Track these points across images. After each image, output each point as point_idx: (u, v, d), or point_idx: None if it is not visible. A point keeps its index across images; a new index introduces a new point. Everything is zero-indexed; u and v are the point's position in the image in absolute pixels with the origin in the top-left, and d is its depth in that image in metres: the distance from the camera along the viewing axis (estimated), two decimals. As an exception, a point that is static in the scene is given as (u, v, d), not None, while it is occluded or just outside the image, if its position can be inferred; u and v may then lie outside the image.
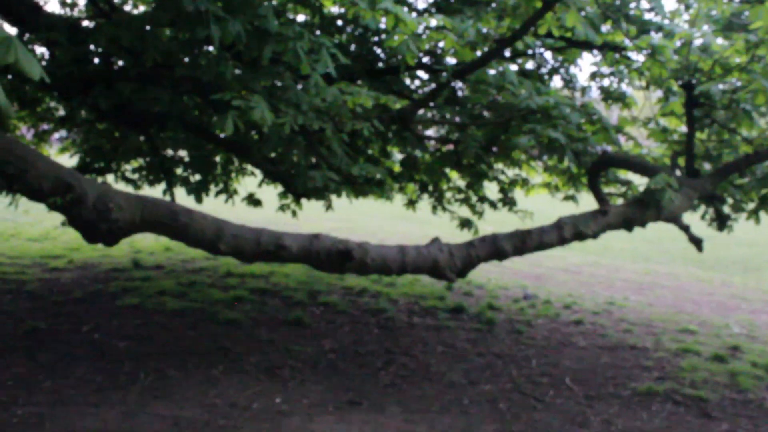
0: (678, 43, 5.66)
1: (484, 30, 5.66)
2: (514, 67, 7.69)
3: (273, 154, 6.55)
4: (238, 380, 5.44)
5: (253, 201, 8.13)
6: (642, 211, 5.13)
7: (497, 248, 4.76)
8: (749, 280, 11.60)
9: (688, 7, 6.38)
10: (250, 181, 8.61)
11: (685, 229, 5.62)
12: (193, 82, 5.46)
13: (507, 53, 7.37)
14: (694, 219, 7.13)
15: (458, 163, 6.63)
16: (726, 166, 5.69)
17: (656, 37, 5.39)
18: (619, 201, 6.90)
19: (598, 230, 4.99)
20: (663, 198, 4.82)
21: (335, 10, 6.82)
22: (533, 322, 7.76)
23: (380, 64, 7.06)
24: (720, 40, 5.78)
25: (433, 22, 5.55)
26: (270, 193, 8.39)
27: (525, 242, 4.82)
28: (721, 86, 5.42)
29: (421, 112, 6.65)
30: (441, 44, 6.56)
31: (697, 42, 5.41)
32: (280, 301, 8.15)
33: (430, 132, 8.27)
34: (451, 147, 6.87)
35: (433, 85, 6.58)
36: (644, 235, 12.31)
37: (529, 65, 7.74)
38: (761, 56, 5.05)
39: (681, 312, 8.74)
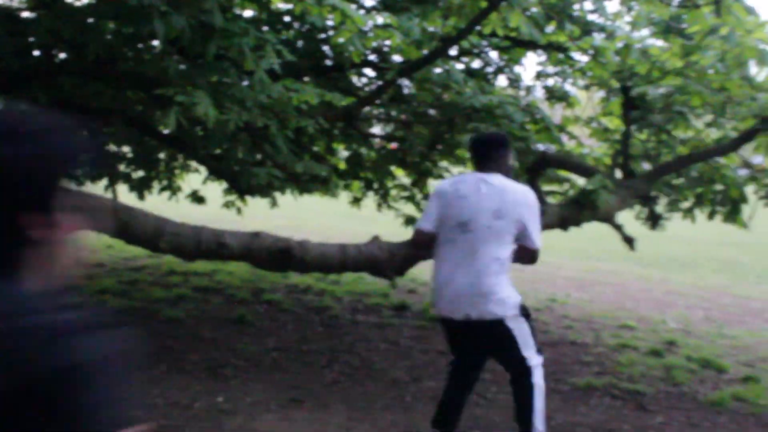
0: (619, 45, 5.78)
1: (430, 29, 5.70)
2: (460, 66, 7.77)
3: (217, 151, 6.50)
4: (180, 379, 5.38)
5: (197, 198, 8.05)
6: (578, 211, 5.23)
7: (435, 246, 4.80)
8: (686, 277, 11.90)
9: (630, 9, 6.52)
10: (194, 178, 8.52)
11: (619, 228, 5.75)
12: (137, 77, 5.38)
13: (453, 52, 7.44)
14: (629, 218, 7.30)
15: (403, 160, 6.67)
16: (661, 166, 5.84)
17: (598, 38, 5.49)
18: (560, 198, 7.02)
19: (537, 228, 5.05)
20: (598, 199, 4.92)
21: (283, 6, 6.79)
22: (476, 319, 7.83)
23: (327, 62, 7.05)
24: (660, 43, 5.92)
25: (380, 20, 5.57)
26: (215, 190, 8.32)
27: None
28: (658, 90, 5.55)
29: (366, 109, 6.67)
30: (388, 42, 6.60)
31: (637, 45, 5.54)
32: (223, 299, 8.09)
33: (376, 130, 8.30)
34: (396, 145, 6.91)
35: (380, 83, 6.59)
36: (587, 234, 12.50)
37: (476, 64, 7.82)
38: (696, 61, 5.19)
39: (621, 308, 8.93)
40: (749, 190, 6.27)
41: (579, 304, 9.07)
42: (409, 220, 8.06)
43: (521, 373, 4.03)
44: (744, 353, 7.07)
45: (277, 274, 9.25)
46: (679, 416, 5.23)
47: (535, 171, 5.63)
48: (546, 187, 7.20)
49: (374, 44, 6.02)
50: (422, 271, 10.39)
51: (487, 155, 4.01)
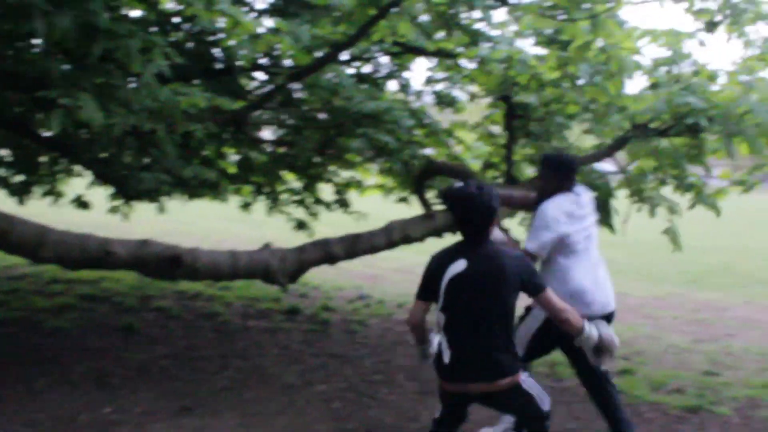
0: (503, 55, 5.99)
1: (321, 34, 5.74)
2: (351, 71, 7.84)
3: (103, 155, 6.33)
4: (63, 392, 5.21)
5: (81, 203, 7.79)
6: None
7: (328, 252, 4.86)
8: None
9: (516, 19, 6.75)
10: (78, 183, 8.25)
11: (505, 231, 5.95)
12: (17, 78, 5.18)
13: (345, 57, 7.51)
14: (513, 223, 7.56)
15: (292, 165, 6.68)
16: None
17: (484, 48, 5.68)
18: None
19: (426, 233, 5.20)
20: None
21: (173, 6, 6.67)
22: (367, 321, 7.93)
23: (218, 64, 6.98)
24: (544, 52, 6.16)
25: (271, 24, 5.57)
26: (100, 195, 8.08)
27: (355, 246, 4.95)
28: (535, 98, 5.78)
29: (257, 113, 6.65)
30: (279, 46, 6.59)
31: (519, 56, 5.75)
32: (110, 307, 7.88)
33: (268, 134, 8.27)
34: (286, 149, 6.91)
35: (270, 87, 6.58)
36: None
37: (367, 69, 7.91)
38: (571, 72, 5.44)
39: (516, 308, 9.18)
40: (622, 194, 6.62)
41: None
42: (300, 225, 8.09)
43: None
44: (621, 347, 7.39)
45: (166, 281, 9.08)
46: (561, 410, 5.44)
47: (421, 179, 5.76)
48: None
49: (266, 49, 6.01)
50: (314, 275, 10.43)
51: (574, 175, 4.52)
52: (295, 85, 7.00)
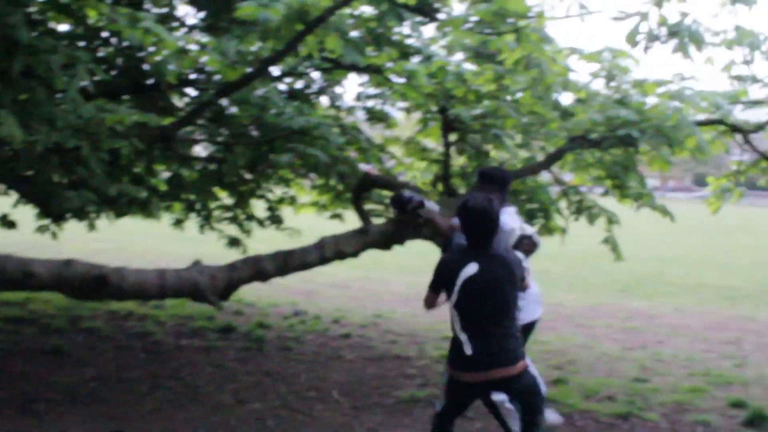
0: (435, 69, 6.04)
1: (250, 49, 5.69)
2: (284, 87, 7.81)
3: (28, 173, 6.15)
4: (-15, 419, 5.03)
5: (6, 223, 7.55)
6: (401, 229, 5.41)
7: (259, 269, 4.82)
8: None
9: (445, 34, 6.83)
10: (3, 201, 8.00)
11: (446, 248, 5.98)
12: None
13: (277, 72, 7.47)
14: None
15: (222, 181, 6.61)
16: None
17: (413, 62, 5.71)
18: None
19: (359, 249, 5.20)
20: (420, 217, 5.11)
21: (103, 21, 6.54)
22: (303, 338, 7.88)
23: (147, 80, 6.87)
24: (473, 67, 6.24)
25: (201, 40, 5.50)
26: (28, 214, 7.85)
27: (287, 262, 4.91)
28: (471, 112, 5.84)
29: (187, 129, 6.56)
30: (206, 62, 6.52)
31: (451, 68, 5.81)
32: (37, 329, 7.66)
33: (199, 150, 8.17)
34: (216, 165, 6.83)
35: (199, 103, 6.49)
36: (413, 249, 12.86)
37: (300, 85, 7.88)
38: (508, 85, 5.52)
39: (444, 321, 9.12)
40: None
41: (404, 319, 9.32)
42: (233, 242, 8.00)
43: None
44: (555, 357, 7.53)
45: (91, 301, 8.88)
46: (493, 419, 5.48)
47: (358, 192, 5.76)
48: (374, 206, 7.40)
49: (197, 64, 5.95)
50: (249, 291, 10.34)
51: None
52: (226, 101, 6.97)
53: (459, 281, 3.72)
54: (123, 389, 5.85)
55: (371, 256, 14.77)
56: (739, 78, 6.45)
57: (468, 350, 3.72)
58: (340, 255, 5.14)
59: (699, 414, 5.77)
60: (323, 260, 5.10)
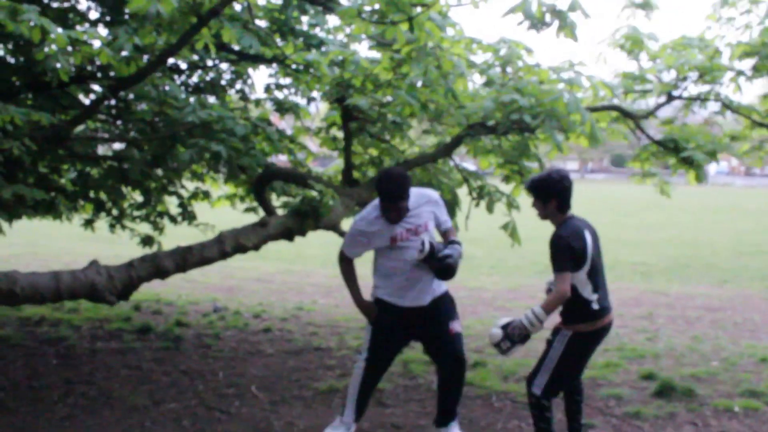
0: (337, 58, 6.02)
1: (143, 43, 5.54)
2: (194, 80, 7.67)
3: None
4: None
5: None
6: (301, 221, 5.37)
7: (158, 267, 4.71)
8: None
9: (349, 24, 6.80)
10: None
11: (343, 235, 5.97)
12: None
13: (184, 66, 7.32)
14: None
15: (125, 178, 6.43)
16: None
17: (313, 52, 5.68)
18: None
19: (259, 242, 5.14)
20: (321, 207, 5.09)
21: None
22: (222, 334, 7.78)
23: (47, 77, 6.62)
24: (374, 55, 6.24)
25: (92, 34, 5.32)
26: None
27: (186, 259, 4.82)
28: (368, 100, 5.83)
29: (92, 127, 6.37)
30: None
31: (352, 59, 5.80)
32: (-61, 340, 7.34)
33: (111, 148, 7.95)
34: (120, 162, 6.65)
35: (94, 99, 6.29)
36: (335, 240, 12.84)
37: (209, 77, 7.74)
38: (405, 73, 5.53)
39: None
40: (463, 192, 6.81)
41: (325, 310, 9.30)
42: (146, 240, 7.83)
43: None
44: (474, 341, 7.61)
45: (6, 306, 8.57)
46: (415, 407, 5.52)
47: (260, 184, 5.69)
48: (283, 199, 7.34)
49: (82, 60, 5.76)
50: (168, 290, 10.17)
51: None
52: (132, 97, 6.78)
53: (588, 250, 4.13)
54: (33, 398, 5.66)
55: (294, 249, 14.73)
56: (628, 76, 6.73)
57: (595, 306, 4.19)
58: (241, 249, 5.07)
59: (612, 388, 5.92)
60: (223, 255, 5.02)
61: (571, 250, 4.08)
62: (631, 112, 6.73)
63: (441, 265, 4.49)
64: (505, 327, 4.26)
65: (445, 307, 4.71)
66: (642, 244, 17.54)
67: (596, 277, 4.19)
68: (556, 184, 4.21)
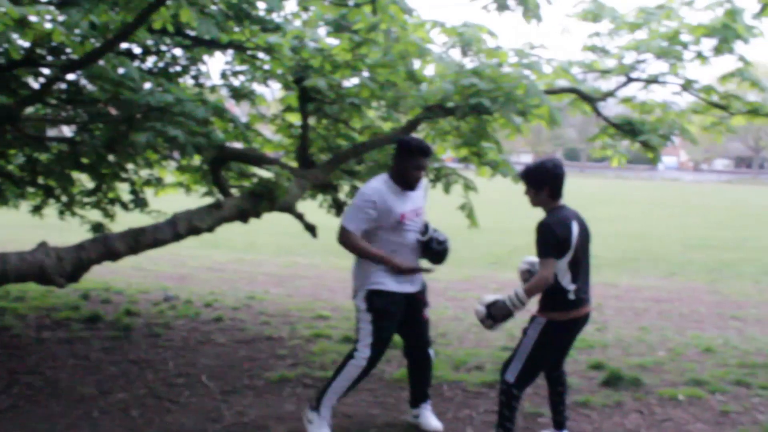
0: (294, 41, 5.96)
1: (99, 22, 5.41)
2: (148, 65, 7.52)
3: None
4: None
5: None
6: (256, 202, 5.31)
7: (109, 249, 4.62)
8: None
9: (306, 9, 6.75)
10: None
11: (300, 217, 5.94)
12: None
13: (138, 51, 7.18)
14: (312, 206, 7.58)
15: (77, 164, 6.30)
16: (337, 155, 6.11)
17: (275, 35, 5.62)
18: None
19: (213, 223, 5.07)
20: (276, 189, 5.04)
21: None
22: (172, 323, 7.68)
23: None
24: (333, 41, 6.21)
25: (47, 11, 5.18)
26: None
27: (139, 240, 4.74)
28: (326, 81, 5.80)
29: (32, 110, 6.21)
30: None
31: (311, 41, 5.76)
32: None
33: (63, 132, 7.78)
34: (73, 147, 6.51)
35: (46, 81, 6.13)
36: (287, 230, 12.76)
37: (164, 63, 7.61)
38: (364, 54, 5.51)
39: (317, 300, 9.25)
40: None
41: (277, 300, 9.25)
42: (96, 227, 7.69)
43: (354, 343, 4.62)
44: (426, 331, 7.64)
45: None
46: (367, 396, 5.52)
47: (216, 166, 5.62)
48: (239, 183, 7.28)
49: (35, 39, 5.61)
50: (117, 279, 10.01)
51: (394, 156, 4.57)
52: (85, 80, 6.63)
53: (573, 239, 4.19)
54: (-26, 389, 5.52)
55: (246, 238, 14.63)
56: (592, 49, 6.74)
57: (571, 296, 4.22)
58: (195, 231, 4.99)
59: (561, 377, 5.99)
60: (177, 237, 4.93)
61: (555, 237, 4.12)
62: (589, 94, 6.77)
63: (440, 248, 4.55)
64: (489, 306, 4.31)
65: (425, 293, 4.78)
66: (593, 237, 17.73)
67: (578, 268, 4.22)
68: (549, 173, 4.24)
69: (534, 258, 4.44)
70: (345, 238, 4.48)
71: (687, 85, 6.54)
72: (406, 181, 4.47)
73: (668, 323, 8.54)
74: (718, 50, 6.19)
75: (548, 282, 4.14)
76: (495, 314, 4.30)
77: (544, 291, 4.21)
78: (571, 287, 4.21)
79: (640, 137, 6.39)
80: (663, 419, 5.16)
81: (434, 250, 4.54)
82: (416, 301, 4.67)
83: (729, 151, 78.02)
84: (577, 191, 38.39)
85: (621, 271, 13.07)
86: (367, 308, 4.49)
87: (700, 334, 7.94)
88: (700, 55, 6.28)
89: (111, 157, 6.93)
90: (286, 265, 12.43)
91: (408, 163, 4.43)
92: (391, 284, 4.48)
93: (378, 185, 4.48)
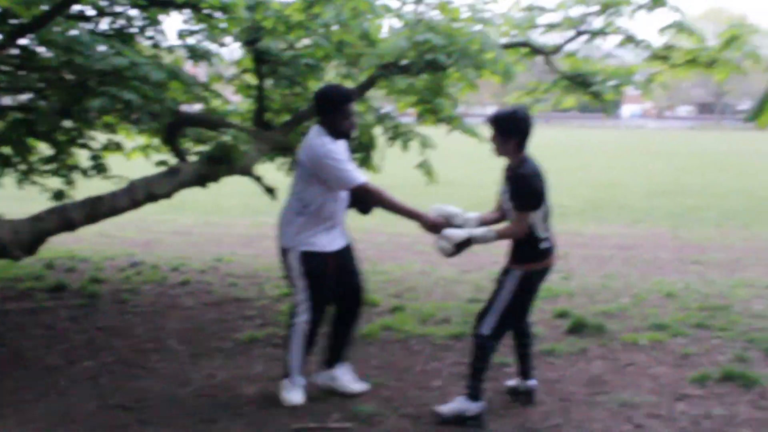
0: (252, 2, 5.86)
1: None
2: (103, 26, 7.35)
3: None
4: None
5: None
6: (214, 166, 5.27)
7: (66, 219, 4.57)
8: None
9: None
10: None
11: (258, 179, 5.90)
12: None
13: (92, 12, 7.01)
14: (271, 169, 7.54)
15: (32, 131, 6.17)
16: (294, 117, 6.06)
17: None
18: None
19: (172, 189, 5.03)
20: (234, 152, 4.99)
21: None
22: (139, 289, 7.65)
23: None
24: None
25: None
26: None
27: (97, 209, 4.69)
28: (280, 43, 5.73)
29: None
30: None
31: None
32: None
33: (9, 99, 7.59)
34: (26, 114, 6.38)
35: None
36: (254, 190, 12.70)
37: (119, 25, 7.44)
38: (318, 14, 5.44)
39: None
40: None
41: (244, 261, 9.24)
42: (58, 195, 7.57)
43: (292, 309, 4.53)
44: (394, 286, 7.70)
45: None
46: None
47: (172, 131, 5.54)
48: (197, 148, 7.19)
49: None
50: (82, 247, 9.91)
51: (318, 110, 4.43)
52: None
53: (545, 187, 4.21)
54: (-64, 364, 5.46)
55: (212, 200, 14.55)
56: (530, 9, 6.81)
57: (545, 245, 4.27)
58: (153, 197, 4.95)
59: (527, 327, 6.07)
60: (135, 204, 4.88)
61: (534, 190, 4.12)
62: (542, 47, 6.79)
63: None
64: (458, 245, 4.21)
65: (352, 247, 4.71)
66: (558, 186, 17.73)
67: (548, 217, 4.26)
68: (520, 123, 4.17)
69: (450, 209, 4.37)
70: (370, 194, 4.33)
71: (628, 40, 6.63)
72: (341, 132, 4.37)
73: (632, 270, 8.69)
74: (654, 2, 6.28)
75: (522, 234, 4.16)
76: (461, 248, 4.26)
77: (518, 242, 4.21)
78: (545, 236, 4.24)
79: (592, 89, 6.44)
80: (626, 364, 5.27)
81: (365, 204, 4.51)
82: (345, 256, 4.60)
83: (692, 98, 78.69)
84: (541, 143, 38.61)
85: (586, 219, 13.22)
86: (303, 271, 4.39)
87: (663, 279, 8.09)
88: (640, 7, 6.37)
89: (69, 123, 6.81)
90: (254, 225, 12.38)
91: (337, 114, 4.33)
92: (324, 244, 4.40)
93: (326, 140, 4.32)
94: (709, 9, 68.71)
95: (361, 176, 4.30)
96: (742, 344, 5.63)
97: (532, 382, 4.61)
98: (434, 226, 4.34)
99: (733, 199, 16.53)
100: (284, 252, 4.47)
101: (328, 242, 4.44)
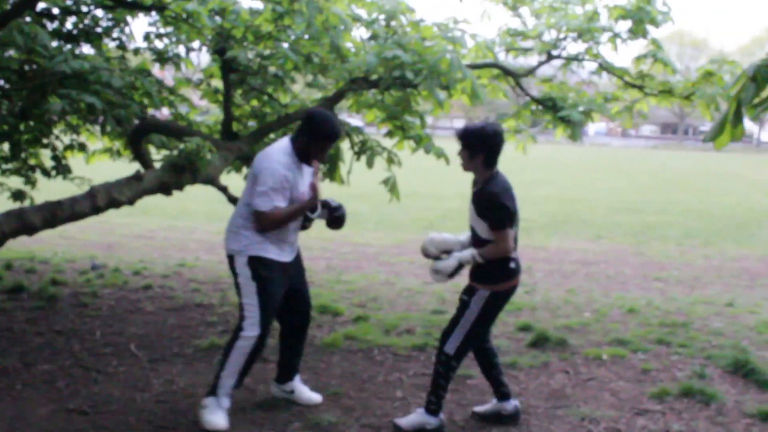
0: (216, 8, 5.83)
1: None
2: (68, 26, 7.26)
3: None
4: None
5: None
6: (178, 174, 5.22)
7: (25, 222, 4.49)
8: (308, 232, 12.56)
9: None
10: None
11: (223, 189, 5.87)
12: None
13: (56, 11, 6.92)
14: (237, 179, 7.49)
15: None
16: (261, 127, 6.04)
17: (194, 2, 5.47)
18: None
19: (134, 196, 4.97)
20: (199, 161, 4.96)
21: None
22: (100, 292, 7.53)
23: None
24: (259, 5, 6.09)
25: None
26: None
27: (56, 214, 4.61)
28: (249, 54, 5.71)
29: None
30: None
31: (233, 8, 5.64)
32: None
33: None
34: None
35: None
36: (219, 196, 12.61)
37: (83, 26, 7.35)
38: (287, 26, 5.43)
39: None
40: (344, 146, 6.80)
41: (208, 267, 9.15)
42: (17, 195, 7.46)
43: (238, 322, 4.39)
44: (357, 295, 7.69)
45: None
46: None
47: (136, 137, 5.48)
48: (162, 152, 7.12)
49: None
50: (42, 248, 9.75)
51: (302, 129, 4.31)
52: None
53: (518, 205, 4.24)
54: None
55: (177, 205, 14.41)
56: (509, 33, 6.88)
57: (512, 264, 4.22)
58: (114, 203, 4.88)
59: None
60: (96, 210, 4.80)
61: (507, 208, 4.06)
62: (512, 70, 6.86)
63: (338, 214, 4.48)
64: (451, 274, 4.26)
65: (301, 260, 4.66)
66: (523, 201, 17.82)
67: (517, 236, 4.21)
68: (489, 138, 4.09)
69: (447, 239, 4.37)
70: (267, 223, 4.20)
71: (603, 68, 6.73)
72: (308, 159, 4.32)
73: (595, 285, 8.77)
74: (633, 32, 6.38)
75: (509, 253, 4.12)
76: (454, 274, 4.27)
77: (487, 261, 4.13)
78: (514, 255, 4.20)
79: (561, 113, 6.51)
80: (587, 378, 5.31)
81: (332, 216, 4.48)
82: (295, 268, 4.54)
83: (656, 118, 79.92)
84: (507, 156, 38.92)
85: (550, 234, 13.33)
86: (252, 276, 4.24)
87: (625, 295, 8.18)
88: (617, 36, 6.47)
89: (31, 124, 6.71)
90: (218, 231, 12.24)
91: (318, 145, 4.27)
92: (273, 252, 4.30)
93: (284, 159, 4.22)
94: (673, 31, 69.85)
95: (273, 202, 4.15)
96: (700, 361, 5.71)
97: (514, 403, 4.52)
98: (314, 200, 4.30)
99: (693, 217, 16.80)
100: (232, 258, 4.34)
101: (277, 254, 4.33)
